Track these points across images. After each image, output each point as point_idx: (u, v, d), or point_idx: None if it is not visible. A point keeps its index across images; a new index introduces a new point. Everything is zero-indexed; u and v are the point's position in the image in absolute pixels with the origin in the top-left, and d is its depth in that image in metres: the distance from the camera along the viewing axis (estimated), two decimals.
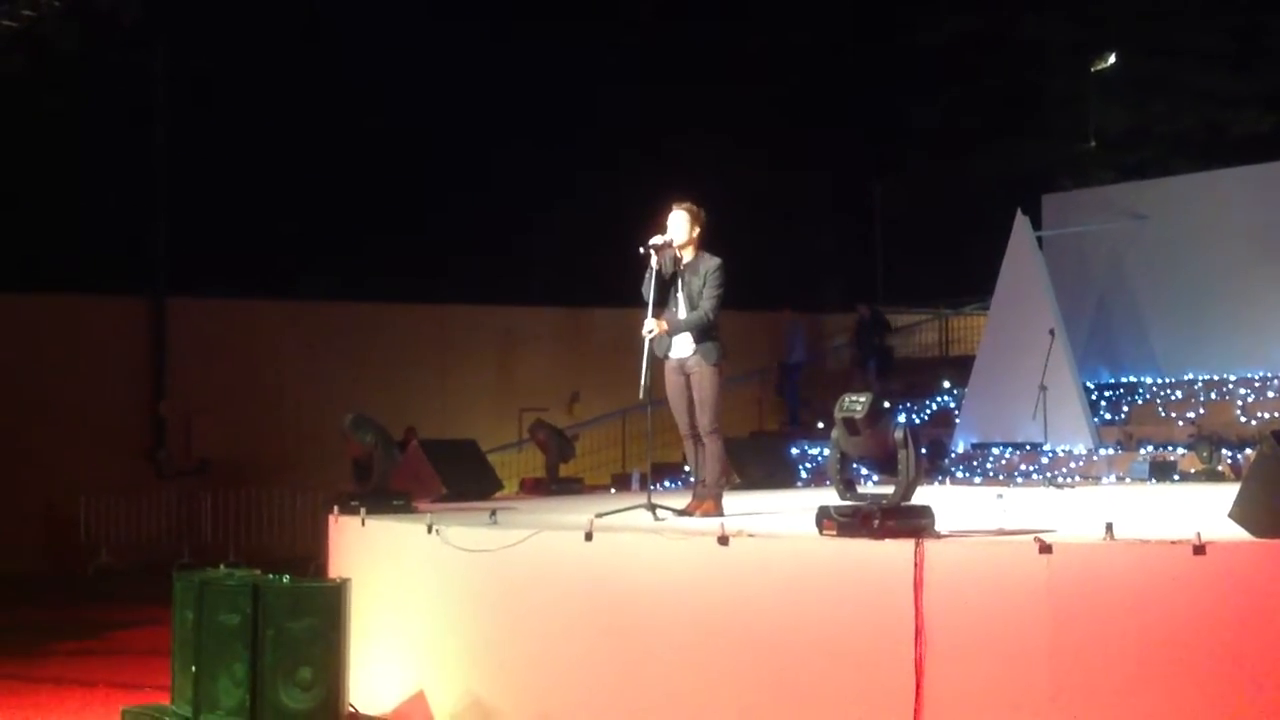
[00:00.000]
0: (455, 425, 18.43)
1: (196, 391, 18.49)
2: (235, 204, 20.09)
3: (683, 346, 7.85)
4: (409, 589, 7.56)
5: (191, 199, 19.77)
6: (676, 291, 7.87)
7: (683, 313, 7.83)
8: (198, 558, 14.56)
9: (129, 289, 18.93)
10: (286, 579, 6.67)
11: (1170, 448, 15.42)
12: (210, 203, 19.93)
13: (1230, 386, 17.39)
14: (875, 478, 7.45)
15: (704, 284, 7.77)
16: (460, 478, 10.25)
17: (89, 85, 18.93)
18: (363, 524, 8.06)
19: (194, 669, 6.58)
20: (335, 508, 8.51)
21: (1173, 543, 5.22)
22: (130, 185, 19.62)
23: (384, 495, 8.48)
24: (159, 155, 19.53)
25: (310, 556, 10.49)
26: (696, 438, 7.92)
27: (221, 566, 7.01)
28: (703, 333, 7.79)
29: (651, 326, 7.72)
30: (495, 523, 7.38)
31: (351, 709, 6.68)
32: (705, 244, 7.89)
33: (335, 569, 8.26)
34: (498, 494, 10.69)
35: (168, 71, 19.61)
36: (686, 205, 7.87)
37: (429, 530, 7.34)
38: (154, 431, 18.60)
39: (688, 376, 7.86)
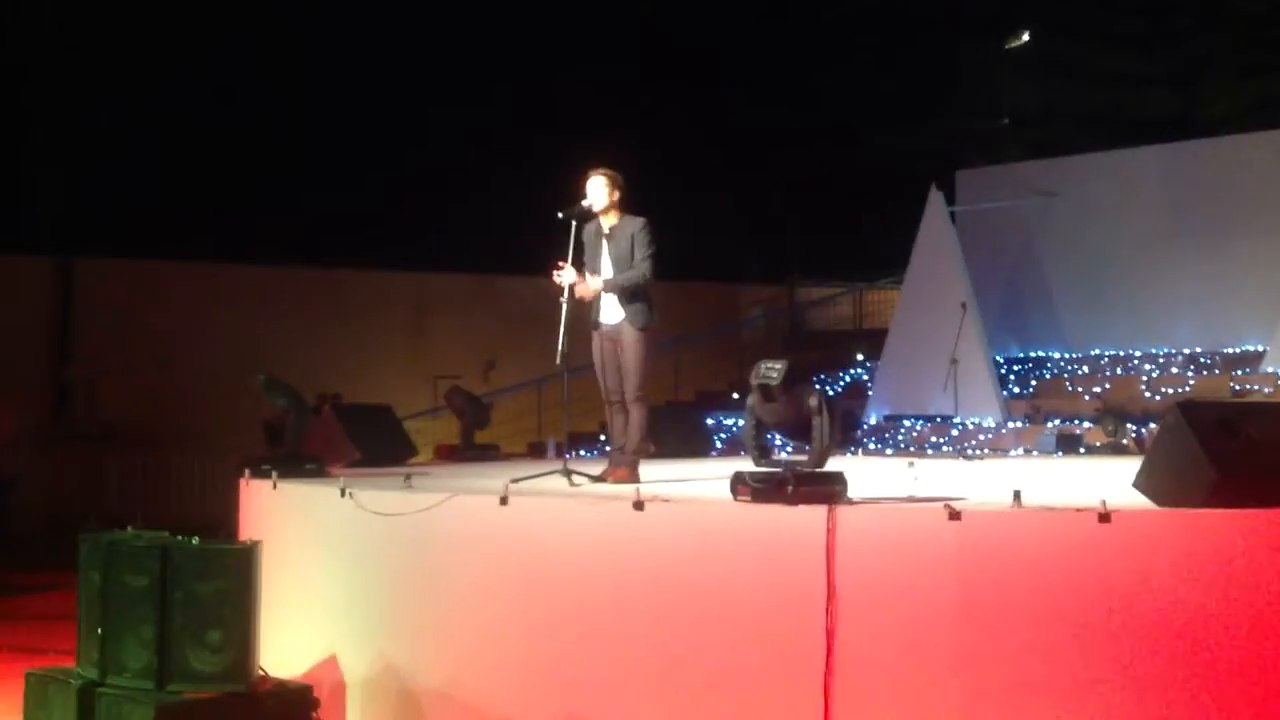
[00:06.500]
0: (370, 391, 18.24)
1: (102, 354, 18.12)
2: (144, 164, 19.68)
3: (611, 311, 7.75)
4: (321, 553, 7.50)
5: (99, 158, 19.34)
6: (599, 258, 7.79)
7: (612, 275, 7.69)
8: (104, 523, 14.29)
9: (34, 249, 18.50)
10: (196, 541, 6.59)
11: (1076, 421, 15.70)
12: (119, 163, 19.51)
13: (1135, 362, 17.75)
14: (790, 445, 7.51)
15: (632, 244, 7.68)
16: (375, 443, 10.18)
17: None
18: (274, 487, 7.97)
19: (100, 631, 6.48)
20: (247, 471, 8.42)
21: (1079, 510, 5.32)
22: (37, 144, 19.14)
23: (297, 459, 8.43)
24: (64, 112, 19.05)
25: (219, 522, 10.37)
26: (620, 404, 7.85)
27: (129, 529, 6.90)
28: (631, 295, 7.67)
29: (572, 277, 7.55)
30: (410, 487, 7.34)
31: (262, 672, 6.62)
32: (625, 208, 7.84)
33: (246, 533, 8.16)
34: (412, 460, 10.62)
35: (71, 26, 19.13)
36: (604, 170, 7.77)
37: (342, 494, 7.28)
38: (58, 395, 18.22)
39: (615, 342, 7.76)
